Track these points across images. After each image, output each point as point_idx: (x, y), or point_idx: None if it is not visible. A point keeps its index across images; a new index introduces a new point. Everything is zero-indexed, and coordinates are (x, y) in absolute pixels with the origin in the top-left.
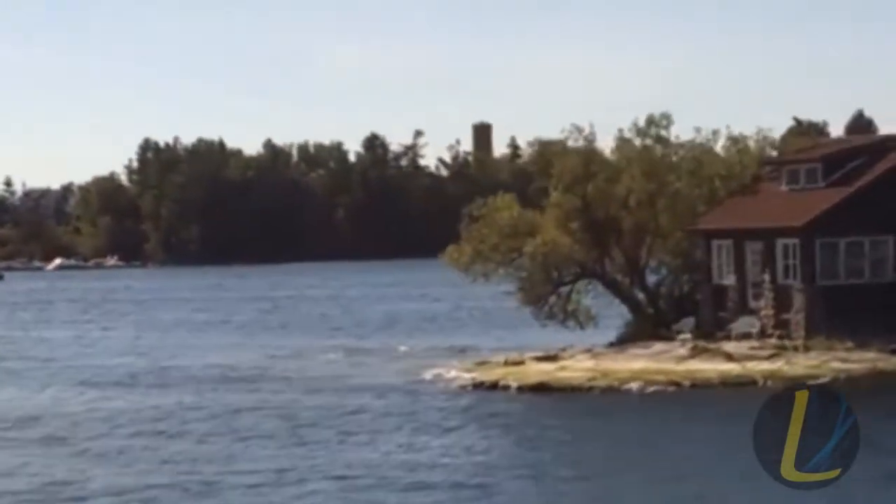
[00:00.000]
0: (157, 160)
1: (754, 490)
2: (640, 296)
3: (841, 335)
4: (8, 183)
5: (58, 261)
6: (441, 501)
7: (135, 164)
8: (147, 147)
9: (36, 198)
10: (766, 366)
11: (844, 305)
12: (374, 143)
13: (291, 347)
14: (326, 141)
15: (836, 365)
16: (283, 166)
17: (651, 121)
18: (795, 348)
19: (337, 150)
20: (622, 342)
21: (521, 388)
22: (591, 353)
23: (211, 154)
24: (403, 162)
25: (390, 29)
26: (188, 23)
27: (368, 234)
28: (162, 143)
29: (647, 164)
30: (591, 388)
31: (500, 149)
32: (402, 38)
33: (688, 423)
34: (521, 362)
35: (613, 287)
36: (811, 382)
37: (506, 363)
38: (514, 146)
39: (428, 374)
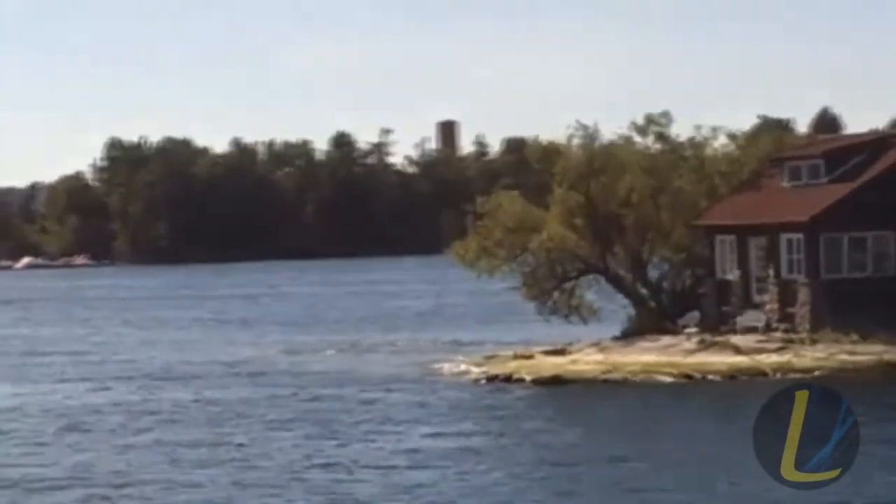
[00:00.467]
0: (124, 158)
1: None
2: (643, 291)
3: (845, 328)
4: None
5: (26, 259)
6: (488, 484)
7: (102, 163)
8: (114, 146)
9: (1, 197)
10: (774, 358)
11: (848, 299)
12: (341, 141)
13: (292, 343)
14: (294, 139)
15: (844, 357)
16: (251, 164)
17: (651, 119)
18: (802, 341)
19: (304, 149)
20: (627, 336)
21: (535, 381)
22: (598, 347)
23: (179, 152)
24: (371, 160)
25: (360, 27)
26: (153, 21)
27: (336, 232)
28: (129, 142)
29: (649, 161)
30: (605, 381)
31: (466, 146)
32: (371, 37)
33: (707, 414)
34: (530, 356)
35: (617, 282)
36: (819, 374)
37: (515, 357)
38: (480, 143)
39: (436, 368)
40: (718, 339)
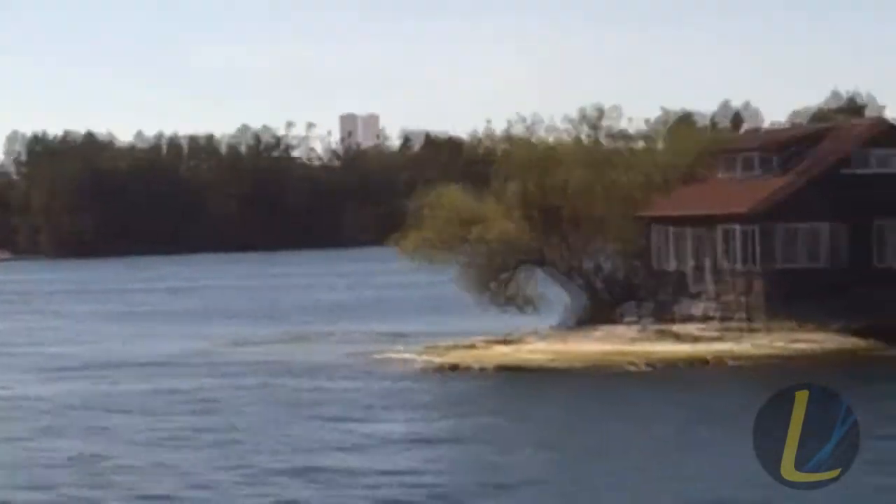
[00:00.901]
0: (43, 153)
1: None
2: (581, 282)
3: (783, 317)
4: None
5: None
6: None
7: (22, 158)
8: (36, 141)
9: None
10: (717, 346)
11: (785, 288)
12: (260, 136)
13: (234, 335)
14: (213, 133)
15: (784, 344)
16: (170, 158)
17: (588, 112)
18: (741, 330)
19: (223, 143)
20: (566, 326)
21: (483, 370)
22: (540, 337)
23: (98, 146)
24: (290, 154)
25: (272, 23)
26: (70, 14)
27: (253, 226)
28: (50, 136)
29: (585, 154)
30: (554, 370)
31: (374, 140)
32: (283, 33)
33: (657, 401)
34: (472, 346)
35: (555, 273)
36: (765, 361)
37: (458, 347)
38: (388, 137)
39: (382, 359)
40: (661, 328)
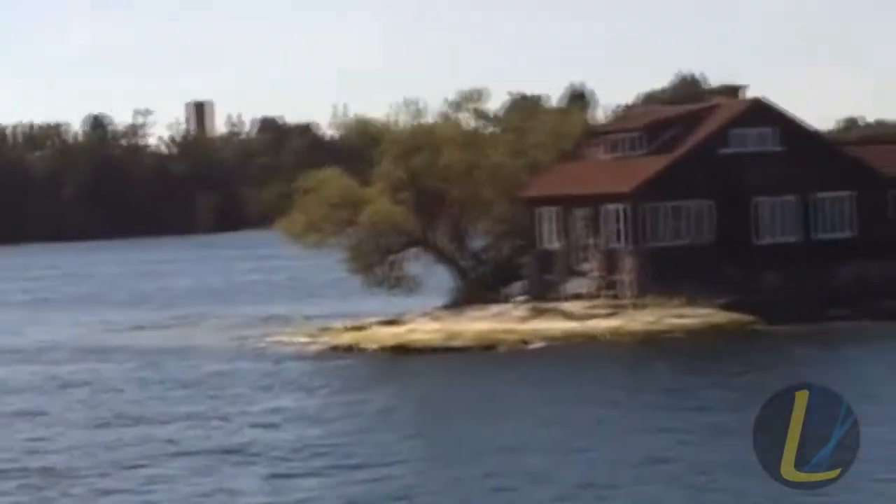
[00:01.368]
0: None
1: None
2: (465, 262)
3: (668, 293)
4: None
5: None
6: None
7: None
8: None
9: None
10: (606, 323)
11: (669, 266)
12: (97, 123)
13: (114, 322)
14: (48, 121)
15: (673, 321)
16: (3, 147)
17: (466, 96)
18: (628, 307)
19: (59, 131)
20: (452, 306)
21: (378, 350)
22: (430, 317)
23: None
24: (127, 141)
25: (112, 6)
26: None
27: (94, 215)
28: None
29: (466, 137)
30: (448, 349)
31: (219, 127)
32: (125, 17)
33: (555, 377)
34: (363, 327)
35: (439, 255)
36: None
37: (348, 329)
38: (234, 124)
39: (274, 342)
40: (548, 306)
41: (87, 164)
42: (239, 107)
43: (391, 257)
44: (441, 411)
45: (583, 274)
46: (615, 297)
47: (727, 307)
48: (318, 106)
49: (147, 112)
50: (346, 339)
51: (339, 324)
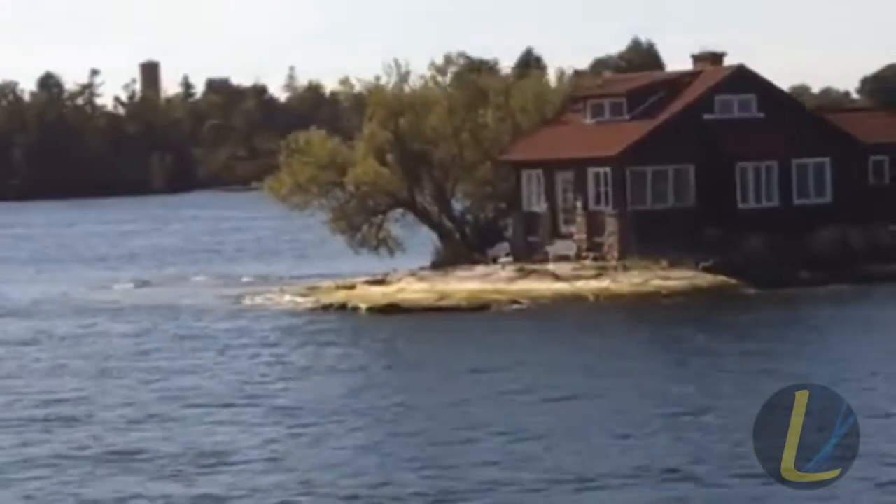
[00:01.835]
0: None
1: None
2: (449, 224)
3: (651, 256)
4: None
5: None
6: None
7: None
8: None
9: None
10: (594, 284)
11: (653, 228)
12: (49, 83)
13: (91, 279)
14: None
15: (658, 282)
16: None
17: (449, 60)
18: (615, 268)
19: (10, 90)
20: (436, 267)
21: (371, 309)
22: (417, 277)
23: None
24: (80, 101)
25: None
26: None
27: (47, 175)
28: None
29: (451, 100)
30: (440, 308)
31: (170, 87)
32: None
33: (554, 334)
34: (352, 286)
35: (424, 216)
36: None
37: (338, 287)
38: (186, 84)
39: (263, 301)
40: (535, 267)
41: (39, 124)
42: (189, 67)
43: (376, 218)
44: (485, 361)
45: (567, 236)
46: (599, 259)
47: (709, 270)
48: (268, 68)
49: (95, 72)
50: (338, 297)
51: (324, 284)
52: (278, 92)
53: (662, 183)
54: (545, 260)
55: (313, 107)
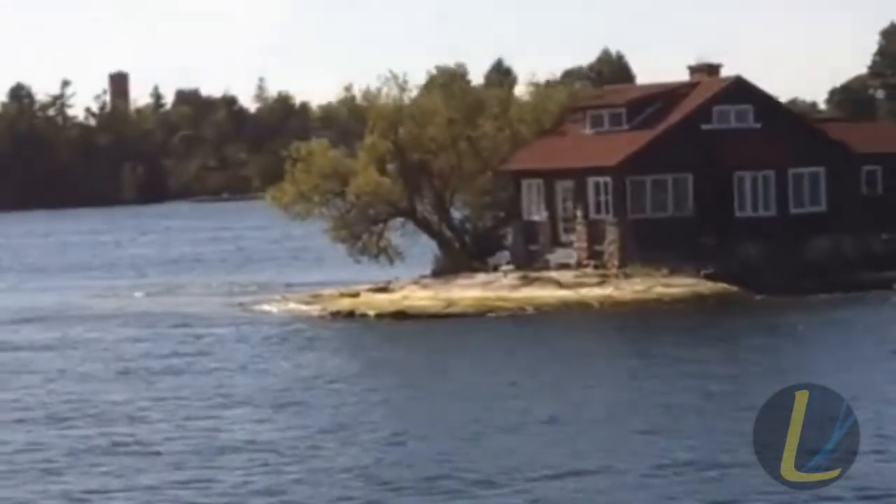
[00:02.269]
0: None
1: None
2: (448, 233)
3: (651, 264)
4: None
5: None
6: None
7: None
8: None
9: None
10: (597, 291)
11: (652, 237)
12: (19, 93)
13: (92, 288)
14: None
15: (660, 290)
16: None
17: (448, 71)
18: (616, 276)
19: None
20: (437, 275)
21: (379, 316)
22: (420, 285)
23: None
24: (51, 112)
25: None
26: None
27: (17, 186)
28: None
29: (451, 110)
30: (448, 315)
31: (140, 98)
32: None
33: (564, 340)
34: (356, 294)
35: (424, 225)
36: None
37: (342, 295)
38: (156, 95)
39: (267, 309)
40: (537, 275)
41: (9, 135)
42: (159, 78)
43: (376, 227)
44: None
45: (568, 245)
46: (603, 267)
47: (709, 277)
48: (237, 79)
49: (66, 83)
50: (345, 304)
51: (326, 291)
52: (248, 103)
53: (662, 192)
54: (546, 268)
55: (283, 117)
